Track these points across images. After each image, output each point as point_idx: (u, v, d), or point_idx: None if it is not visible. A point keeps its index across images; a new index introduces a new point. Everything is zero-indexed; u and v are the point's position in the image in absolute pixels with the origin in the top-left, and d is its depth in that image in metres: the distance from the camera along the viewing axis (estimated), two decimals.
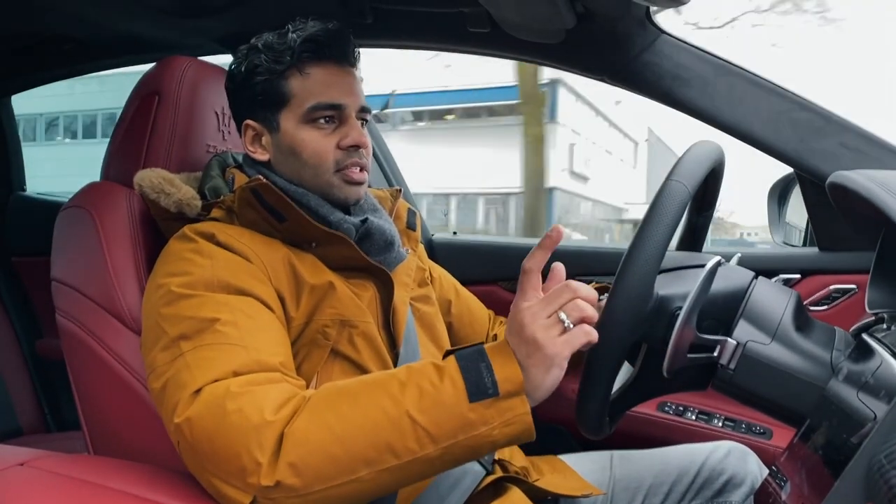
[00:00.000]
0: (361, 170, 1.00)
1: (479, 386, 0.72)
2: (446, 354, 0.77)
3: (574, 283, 0.77)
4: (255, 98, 0.99)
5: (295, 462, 0.70)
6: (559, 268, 0.81)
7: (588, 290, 0.77)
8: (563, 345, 0.74)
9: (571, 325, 0.75)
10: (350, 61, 1.01)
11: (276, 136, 1.00)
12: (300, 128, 0.98)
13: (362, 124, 1.01)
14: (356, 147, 0.99)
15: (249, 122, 1.01)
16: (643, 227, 0.80)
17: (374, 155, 1.48)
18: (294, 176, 1.00)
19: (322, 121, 0.98)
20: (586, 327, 0.75)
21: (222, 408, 0.73)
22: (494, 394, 0.72)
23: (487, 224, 20.10)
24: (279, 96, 0.98)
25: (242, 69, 1.00)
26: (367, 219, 1.01)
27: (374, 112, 1.10)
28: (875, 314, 0.84)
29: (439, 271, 1.26)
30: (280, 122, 0.99)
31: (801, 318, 0.85)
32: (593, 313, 0.76)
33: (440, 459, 0.73)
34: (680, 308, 0.82)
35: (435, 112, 20.32)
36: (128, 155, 1.09)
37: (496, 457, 1.04)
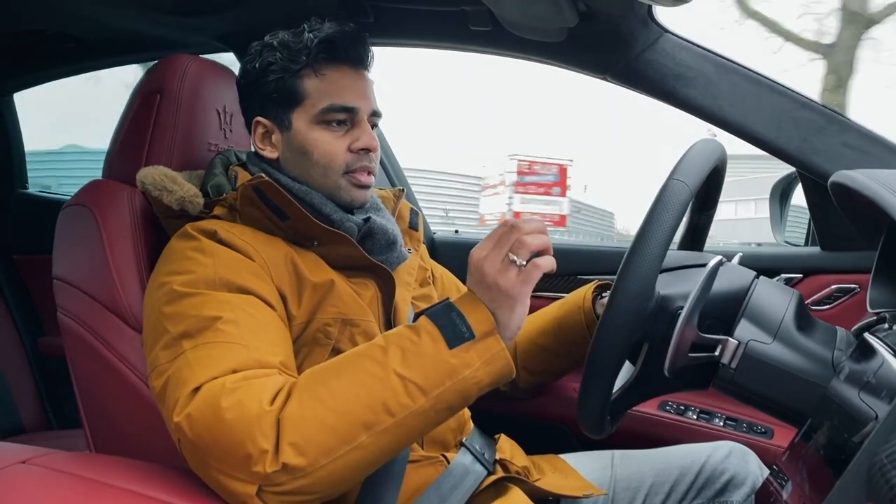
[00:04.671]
0: (369, 174, 1.00)
1: (456, 332, 0.78)
2: (415, 318, 0.81)
3: (515, 222, 0.82)
4: (269, 95, 0.99)
5: (296, 441, 0.71)
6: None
7: (533, 222, 0.83)
8: (522, 284, 0.80)
9: (524, 263, 0.80)
10: (364, 64, 1.01)
11: (286, 135, 1.00)
12: (312, 128, 0.98)
13: (372, 127, 1.01)
14: (367, 151, 0.99)
15: (260, 119, 1.01)
16: (644, 226, 0.80)
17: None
18: (302, 175, 1.00)
19: (334, 123, 0.98)
20: (538, 261, 0.80)
21: (219, 403, 0.73)
22: (470, 337, 0.78)
23: None
24: (293, 95, 0.98)
25: (256, 66, 1.00)
26: (369, 218, 1.01)
27: None
28: (877, 314, 0.84)
29: (441, 271, 1.26)
30: (292, 121, 0.99)
31: (803, 318, 0.85)
32: (540, 243, 0.81)
33: (433, 409, 0.76)
34: (681, 307, 0.82)
35: None
36: (129, 153, 1.09)
37: (497, 456, 1.05)
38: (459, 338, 0.77)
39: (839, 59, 6.51)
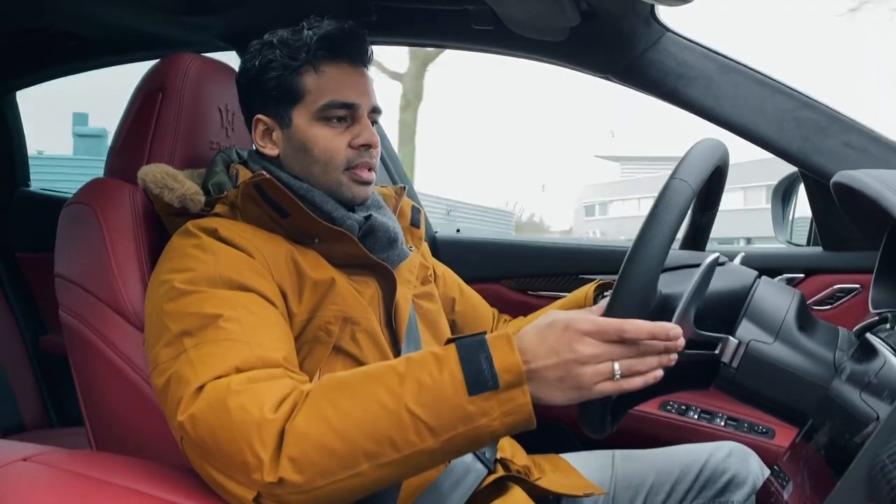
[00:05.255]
0: (370, 170, 1.00)
1: (479, 378, 0.72)
2: (448, 342, 0.76)
3: (640, 340, 0.73)
4: (269, 93, 0.99)
5: (296, 457, 0.70)
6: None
7: (654, 345, 0.74)
8: (599, 392, 0.73)
9: (619, 377, 0.73)
10: (364, 61, 1.02)
11: (287, 132, 1.00)
12: (312, 125, 0.98)
13: (372, 124, 1.01)
14: (367, 146, 0.99)
15: (260, 116, 1.01)
16: (646, 226, 0.80)
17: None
18: (303, 172, 1.00)
19: (335, 119, 0.98)
20: (625, 383, 0.73)
21: (224, 404, 0.73)
22: (494, 387, 0.72)
23: None
24: (293, 92, 0.98)
25: (256, 64, 1.00)
26: (370, 215, 1.01)
27: None
28: (879, 314, 0.83)
29: (443, 269, 1.26)
30: (293, 118, 0.99)
31: (805, 318, 0.85)
32: (647, 367, 0.74)
33: (441, 451, 0.73)
34: None
35: None
36: (131, 151, 1.09)
37: (498, 455, 1.04)
38: (482, 385, 0.71)
39: (409, 86, 8.28)
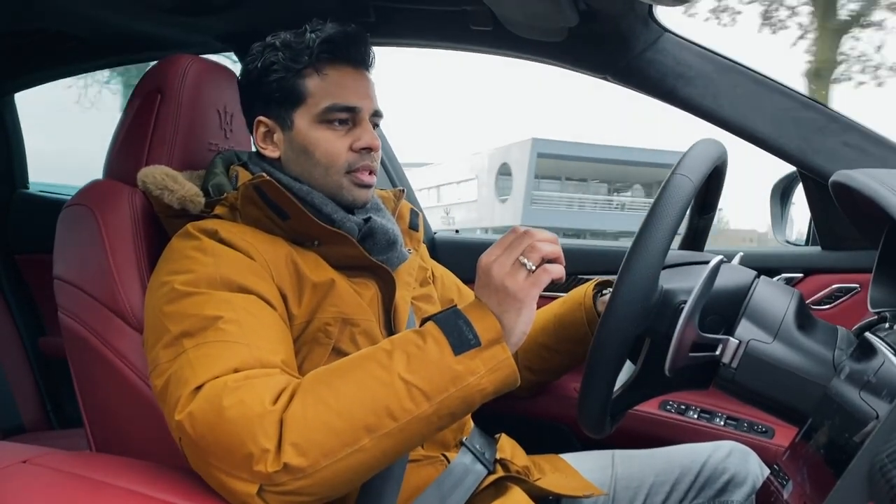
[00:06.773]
0: (371, 173, 1.01)
1: (462, 339, 0.78)
2: (423, 322, 0.81)
3: (529, 229, 0.83)
4: (271, 95, 1.00)
5: (298, 442, 0.71)
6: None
7: (546, 233, 0.84)
8: (530, 287, 0.80)
9: (534, 267, 0.81)
10: (366, 64, 1.02)
11: (288, 134, 1.00)
12: (314, 127, 0.98)
13: (374, 127, 1.02)
14: (368, 150, 0.99)
15: (262, 118, 1.02)
16: (648, 220, 0.80)
17: None
18: (304, 174, 1.00)
19: (336, 122, 0.98)
20: (548, 266, 0.81)
21: (222, 401, 0.73)
22: (476, 344, 0.78)
23: None
24: (295, 94, 0.98)
25: (258, 65, 1.00)
26: (370, 218, 1.01)
27: None
28: (878, 313, 0.84)
29: (441, 270, 1.26)
30: (294, 120, 0.99)
31: (804, 317, 0.85)
32: (552, 250, 0.82)
33: (437, 415, 0.76)
34: (683, 302, 0.82)
35: None
36: (130, 153, 1.09)
37: (497, 456, 1.05)
38: (465, 345, 0.77)
39: None
